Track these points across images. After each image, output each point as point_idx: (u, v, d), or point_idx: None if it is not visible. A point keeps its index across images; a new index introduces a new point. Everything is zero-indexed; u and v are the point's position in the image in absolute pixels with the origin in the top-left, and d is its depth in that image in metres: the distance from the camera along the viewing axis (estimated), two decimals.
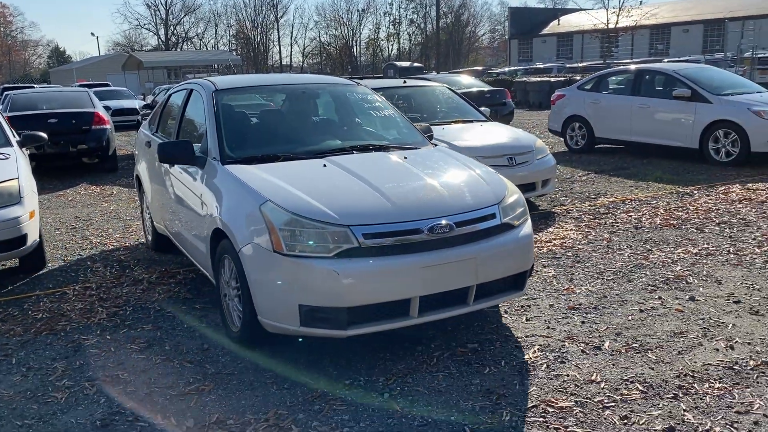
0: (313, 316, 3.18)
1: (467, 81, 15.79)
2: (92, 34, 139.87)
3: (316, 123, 4.80)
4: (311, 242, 3.17)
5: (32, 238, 4.95)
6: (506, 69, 43.05)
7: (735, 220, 6.15)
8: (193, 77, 43.14)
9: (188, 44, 78.03)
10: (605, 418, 2.82)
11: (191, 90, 4.92)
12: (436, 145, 4.62)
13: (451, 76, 18.14)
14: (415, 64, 42.42)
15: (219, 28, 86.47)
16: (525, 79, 29.15)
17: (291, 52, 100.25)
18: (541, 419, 2.84)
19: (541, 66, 40.17)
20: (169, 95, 5.56)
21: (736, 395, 2.97)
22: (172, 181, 4.70)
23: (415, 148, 4.37)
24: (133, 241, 6.37)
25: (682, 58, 31.32)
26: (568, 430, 2.75)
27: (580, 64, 36.36)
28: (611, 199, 7.42)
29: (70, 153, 10.62)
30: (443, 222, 3.29)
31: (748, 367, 3.23)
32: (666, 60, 30.73)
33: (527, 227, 3.69)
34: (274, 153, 4.04)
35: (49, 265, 5.57)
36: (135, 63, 47.14)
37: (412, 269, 3.17)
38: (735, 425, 2.73)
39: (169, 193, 4.82)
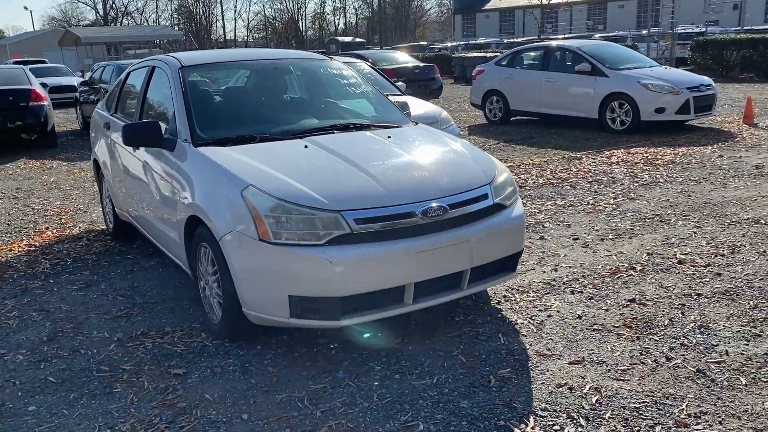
0: (304, 307, 3.04)
1: (401, 57, 16.59)
2: (25, 8, 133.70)
3: (291, 101, 4.61)
4: (299, 229, 3.01)
5: None
6: (448, 44, 43.98)
7: (606, 179, 7.16)
8: (133, 53, 42.72)
9: (128, 19, 76.14)
10: (446, 322, 3.70)
11: (153, 67, 4.68)
12: (416, 123, 4.44)
13: (387, 52, 18.84)
14: (357, 39, 43.00)
15: (160, 2, 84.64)
16: (464, 54, 30.09)
17: (235, 26, 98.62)
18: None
19: (482, 41, 41.19)
20: (128, 73, 5.34)
21: (543, 300, 3.91)
22: (137, 165, 4.44)
23: (397, 126, 4.22)
24: (74, 207, 6.97)
25: (610, 34, 32.78)
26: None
27: (517, 40, 37.45)
28: (509, 164, 8.37)
29: (8, 129, 10.98)
30: (436, 204, 3.18)
31: (561, 282, 4.17)
32: (597, 36, 32.16)
33: (519, 207, 3.63)
34: (249, 134, 3.83)
35: None
36: (72, 39, 46.08)
37: (407, 255, 3.05)
38: (533, 319, 3.66)
39: (133, 177, 4.58)
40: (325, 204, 3.05)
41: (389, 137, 3.90)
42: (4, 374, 3.27)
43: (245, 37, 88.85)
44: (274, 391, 2.98)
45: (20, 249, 5.45)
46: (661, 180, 6.96)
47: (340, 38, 43.26)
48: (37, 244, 5.55)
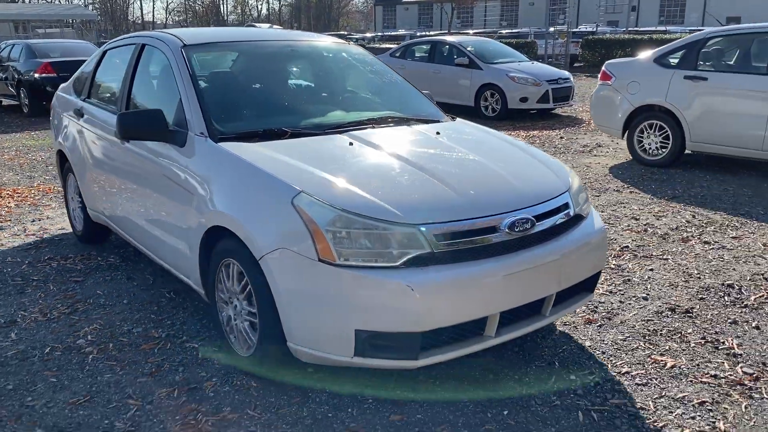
0: (375, 344, 2.50)
1: None
2: None
3: (314, 89, 4.04)
4: (368, 248, 2.47)
5: None
6: (367, 35, 45.16)
7: None
8: (43, 32, 41.47)
9: None
10: None
11: (142, 45, 4.02)
12: (454, 118, 3.96)
13: None
14: (276, 27, 43.36)
15: None
16: (377, 45, 31.35)
17: (153, 8, 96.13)
18: None
19: (401, 33, 42.60)
20: (104, 52, 4.66)
21: None
22: (125, 159, 3.81)
23: (437, 121, 3.77)
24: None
25: (514, 30, 34.92)
26: None
27: (429, 33, 39.03)
28: None
29: None
30: (524, 216, 2.69)
31: None
32: (504, 32, 34.25)
33: (597, 217, 3.16)
34: (278, 127, 3.25)
35: None
36: None
37: (495, 278, 2.56)
38: None
39: (117, 173, 3.97)
40: (399, 216, 2.51)
41: (438, 133, 3.43)
42: None
43: (164, 20, 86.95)
44: (149, 288, 4.04)
45: None
46: None
47: (257, 24, 43.56)
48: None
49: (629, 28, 36.46)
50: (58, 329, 3.48)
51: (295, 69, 4.16)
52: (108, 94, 4.39)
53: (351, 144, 3.13)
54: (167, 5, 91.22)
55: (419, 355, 2.52)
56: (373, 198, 2.59)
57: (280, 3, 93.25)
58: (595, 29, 32.64)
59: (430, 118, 3.80)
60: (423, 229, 2.51)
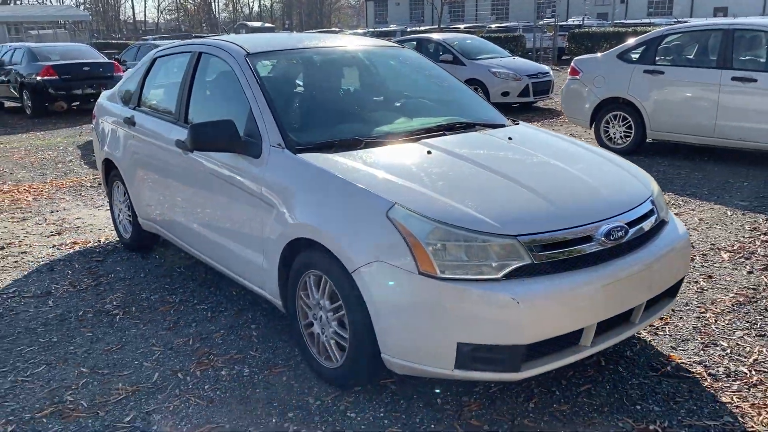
0: (476, 357, 2.50)
1: None
2: None
3: (378, 96, 4.04)
4: (468, 260, 2.48)
5: None
6: (359, 31, 45.75)
7: None
8: (36, 34, 41.80)
9: None
10: None
11: (199, 53, 4.03)
12: (516, 121, 3.91)
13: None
14: (267, 25, 44.03)
15: None
16: None
17: (145, 7, 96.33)
18: None
19: (392, 29, 43.15)
20: (153, 60, 4.66)
21: None
22: (190, 169, 3.77)
23: (502, 126, 3.73)
24: None
25: (503, 24, 35.56)
26: None
27: (419, 28, 39.62)
28: None
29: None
30: (618, 224, 2.68)
31: None
32: (493, 26, 34.94)
33: (678, 221, 3.16)
34: (352, 137, 3.24)
35: None
36: None
37: (594, 288, 2.54)
38: None
39: (179, 184, 3.94)
40: (496, 227, 2.51)
41: (510, 139, 3.40)
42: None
43: (155, 19, 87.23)
44: (162, 265, 4.66)
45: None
46: None
47: (249, 23, 44.20)
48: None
49: (616, 21, 37.14)
50: (88, 297, 4.10)
51: (357, 75, 4.17)
52: (163, 104, 4.36)
53: (429, 153, 3.10)
54: (158, 4, 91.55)
55: (522, 368, 2.52)
56: (467, 209, 2.58)
57: (272, 0, 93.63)
58: (581, 22, 33.29)
59: (494, 123, 3.76)
60: (522, 240, 2.49)
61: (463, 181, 2.81)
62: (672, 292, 3.04)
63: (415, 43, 14.04)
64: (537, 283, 2.46)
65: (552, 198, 2.71)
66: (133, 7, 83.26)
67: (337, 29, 52.55)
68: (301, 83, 3.89)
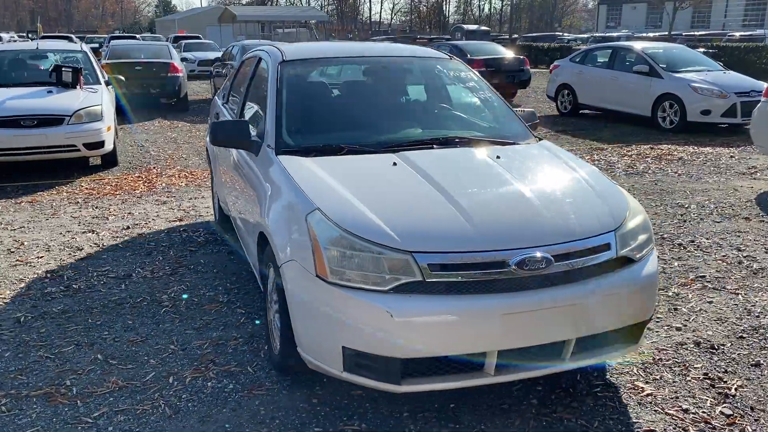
0: (359, 363, 2.58)
1: (492, 48, 17.55)
2: None
3: (395, 106, 4.12)
4: (362, 270, 2.53)
5: (109, 144, 7.86)
6: (583, 36, 43.68)
7: (605, 166, 8.26)
8: (282, 32, 46.42)
9: None
10: None
11: (259, 58, 4.41)
12: (540, 139, 3.84)
13: (483, 44, 19.31)
14: (483, 28, 43.78)
15: None
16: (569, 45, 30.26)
17: (381, 9, 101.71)
18: None
19: (614, 34, 40.50)
20: (242, 62, 5.11)
21: None
22: (231, 162, 4.23)
23: (513, 143, 3.67)
24: (179, 155, 9.24)
25: (749, 33, 31.37)
26: None
27: (648, 35, 36.52)
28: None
29: (151, 94, 13.77)
30: (538, 255, 2.55)
31: None
32: (738, 34, 31.05)
33: (652, 262, 2.89)
34: (337, 143, 3.40)
35: (120, 164, 8.52)
36: (230, 16, 50.78)
37: (490, 316, 2.48)
38: None
39: (229, 174, 4.40)
40: (396, 242, 2.54)
41: (498, 157, 3.35)
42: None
43: (389, 20, 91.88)
44: (239, 263, 4.78)
45: (131, 178, 7.71)
46: (647, 171, 7.98)
47: (465, 26, 44.37)
48: (144, 177, 7.79)
49: None
50: (156, 285, 4.35)
51: (381, 83, 4.22)
52: (234, 101, 4.92)
53: (395, 164, 3.16)
54: (393, 6, 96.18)
55: (402, 381, 2.54)
56: (377, 220, 2.63)
57: (502, 3, 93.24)
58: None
59: (505, 139, 3.70)
60: (418, 257, 2.50)
61: (397, 194, 2.89)
62: (633, 336, 2.80)
63: (609, 51, 12.93)
64: (420, 301, 2.48)
65: (475, 219, 2.67)
66: (370, 9, 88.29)
67: (559, 33, 50.63)
68: (321, 91, 4.15)
